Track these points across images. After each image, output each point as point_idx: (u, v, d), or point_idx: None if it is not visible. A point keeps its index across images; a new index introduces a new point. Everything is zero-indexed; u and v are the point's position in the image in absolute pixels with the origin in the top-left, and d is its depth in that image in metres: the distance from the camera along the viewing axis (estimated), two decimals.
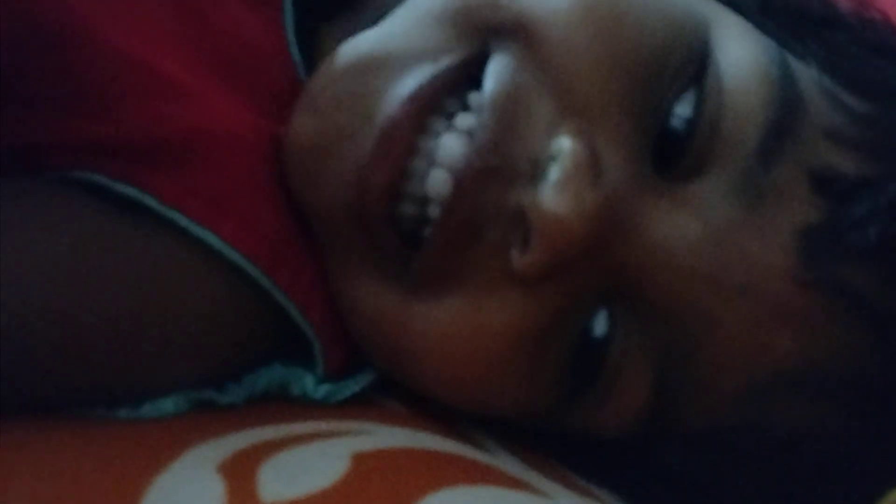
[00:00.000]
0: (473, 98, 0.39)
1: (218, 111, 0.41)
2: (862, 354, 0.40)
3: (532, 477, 0.40)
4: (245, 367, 0.42)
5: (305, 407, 0.41)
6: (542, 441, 0.44)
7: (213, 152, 0.40)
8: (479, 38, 0.40)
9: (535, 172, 0.38)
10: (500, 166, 0.38)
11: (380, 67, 0.40)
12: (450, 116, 0.39)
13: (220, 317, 0.40)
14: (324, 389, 0.42)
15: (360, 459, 0.37)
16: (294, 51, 0.44)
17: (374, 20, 0.42)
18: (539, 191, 0.37)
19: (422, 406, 0.43)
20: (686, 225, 0.39)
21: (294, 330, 0.42)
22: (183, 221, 0.39)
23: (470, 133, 0.39)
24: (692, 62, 0.40)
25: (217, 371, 0.41)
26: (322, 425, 0.40)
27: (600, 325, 0.40)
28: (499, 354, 0.40)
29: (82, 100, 0.39)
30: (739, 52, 0.41)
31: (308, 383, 0.42)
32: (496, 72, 0.39)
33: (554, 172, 0.37)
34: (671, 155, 0.39)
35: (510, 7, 0.40)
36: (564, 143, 0.38)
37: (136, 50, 0.39)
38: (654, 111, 0.39)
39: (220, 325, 0.40)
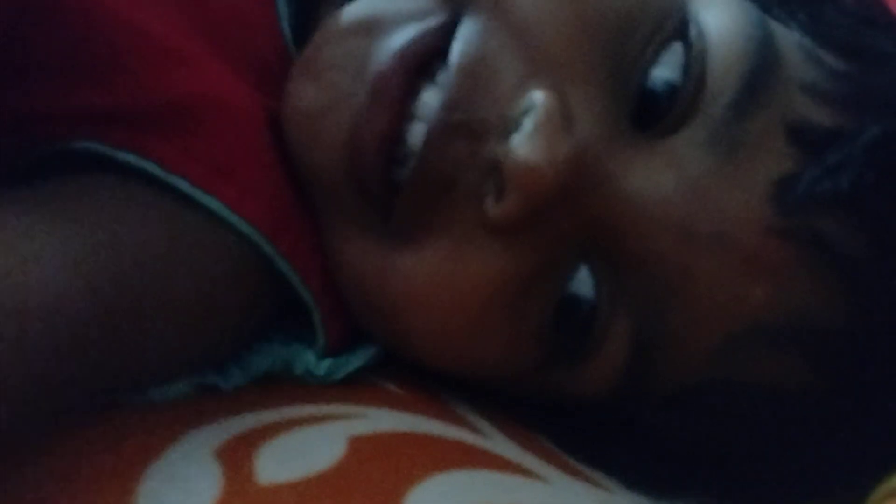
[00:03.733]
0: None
1: (215, 78, 0.41)
2: (836, 305, 0.40)
3: (528, 461, 0.40)
4: (245, 343, 0.42)
5: (303, 390, 0.41)
6: (528, 415, 0.44)
7: (214, 118, 0.40)
8: (456, 4, 0.40)
9: (508, 127, 0.38)
10: (470, 121, 0.39)
11: (371, 29, 0.41)
12: (434, 75, 0.40)
13: (223, 283, 0.40)
14: (325, 365, 0.42)
15: (356, 443, 0.37)
16: (285, 25, 0.45)
17: None
18: (512, 141, 0.38)
19: (419, 389, 0.43)
20: (660, 176, 0.39)
21: (293, 302, 0.42)
22: (186, 187, 0.39)
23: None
24: (667, 22, 0.40)
25: (219, 346, 0.41)
26: (319, 409, 0.40)
27: (583, 283, 0.40)
28: (477, 305, 0.40)
29: (80, 68, 0.39)
30: (719, 12, 0.41)
31: (310, 359, 0.42)
32: (463, 35, 0.40)
33: (527, 123, 0.38)
34: (654, 113, 0.40)
35: None
36: (536, 96, 0.38)
37: (134, 16, 0.39)
38: (628, 70, 0.40)
39: (223, 292, 0.40)
